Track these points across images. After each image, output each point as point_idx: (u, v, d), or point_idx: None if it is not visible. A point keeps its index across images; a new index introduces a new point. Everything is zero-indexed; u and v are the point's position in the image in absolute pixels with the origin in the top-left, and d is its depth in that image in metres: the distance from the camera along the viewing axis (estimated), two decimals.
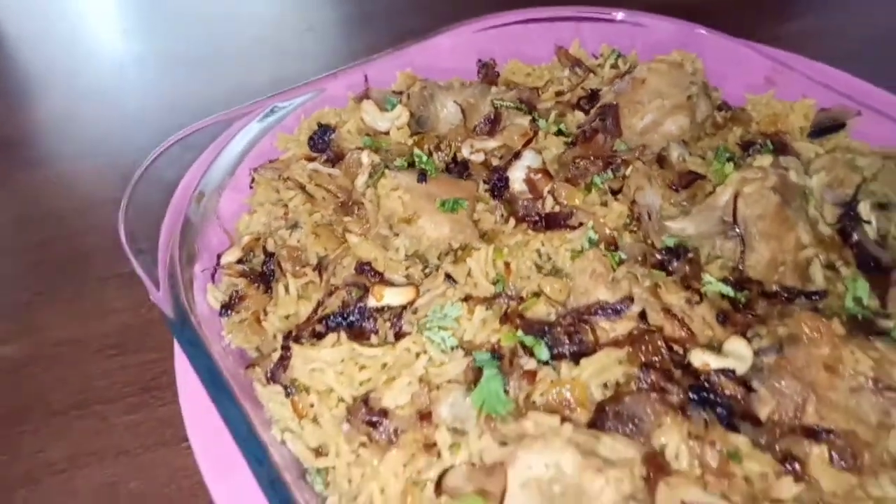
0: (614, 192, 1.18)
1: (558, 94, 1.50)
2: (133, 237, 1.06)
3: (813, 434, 0.87)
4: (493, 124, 1.36)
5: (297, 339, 1.00)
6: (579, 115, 1.40)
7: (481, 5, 1.65)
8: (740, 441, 0.84)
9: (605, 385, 0.91)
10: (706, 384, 0.90)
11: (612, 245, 1.09)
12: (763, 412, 0.90)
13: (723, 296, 1.02)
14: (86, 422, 1.20)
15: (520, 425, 0.83)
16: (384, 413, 0.90)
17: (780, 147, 1.27)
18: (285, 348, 0.99)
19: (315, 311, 1.06)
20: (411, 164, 1.27)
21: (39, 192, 1.73)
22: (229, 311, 1.10)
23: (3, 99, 2.09)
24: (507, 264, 1.09)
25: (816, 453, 0.85)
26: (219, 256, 1.18)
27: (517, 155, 1.25)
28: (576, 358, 0.93)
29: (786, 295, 1.02)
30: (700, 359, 0.92)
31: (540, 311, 1.01)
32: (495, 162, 1.29)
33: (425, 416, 0.89)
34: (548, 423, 0.82)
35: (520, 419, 0.84)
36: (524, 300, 1.03)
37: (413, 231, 1.14)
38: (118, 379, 1.26)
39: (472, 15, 1.61)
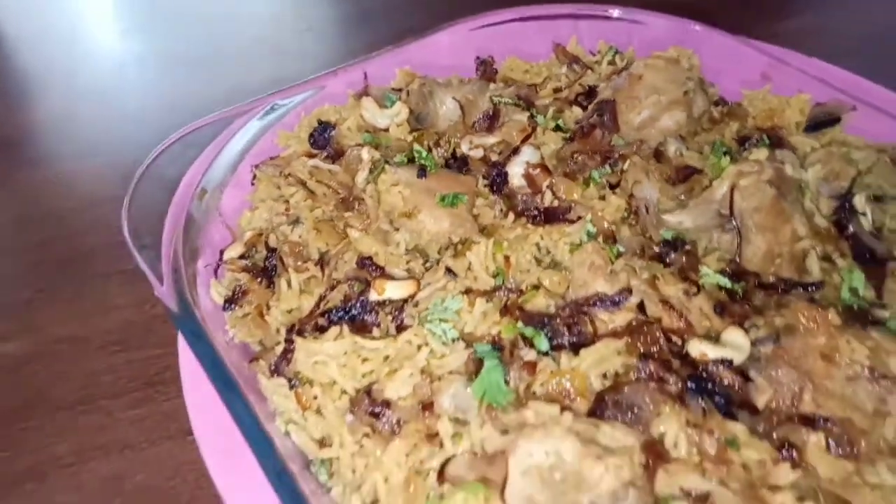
0: (612, 187, 1.19)
1: (556, 90, 1.52)
2: (136, 233, 1.07)
3: (810, 422, 0.88)
4: (492, 120, 1.38)
5: (300, 333, 1.02)
6: (577, 111, 1.41)
7: (479, 3, 1.67)
8: (738, 429, 0.85)
9: (605, 375, 0.92)
10: (704, 374, 0.91)
11: (611, 238, 1.10)
12: (760, 401, 0.91)
13: (720, 287, 1.03)
14: (91, 417, 1.21)
15: (520, 415, 0.84)
16: (387, 404, 0.91)
17: (776, 141, 1.28)
18: (288, 342, 1.00)
19: (317, 305, 1.07)
20: (411, 160, 1.28)
21: (40, 192, 1.74)
22: (232, 306, 1.11)
23: (2, 99, 2.09)
24: (506, 258, 1.10)
25: (813, 441, 0.86)
26: (221, 252, 1.20)
27: (516, 150, 1.27)
28: (575, 349, 0.94)
29: (782, 286, 1.03)
30: (698, 349, 0.93)
31: (539, 303, 1.02)
32: (494, 157, 1.30)
33: (427, 406, 0.90)
34: (548, 412, 0.83)
35: (520, 409, 0.86)
36: (524, 293, 1.04)
37: (413, 226, 1.15)
38: (122, 374, 1.27)
39: (470, 13, 1.63)
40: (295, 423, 0.96)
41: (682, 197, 1.18)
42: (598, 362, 0.92)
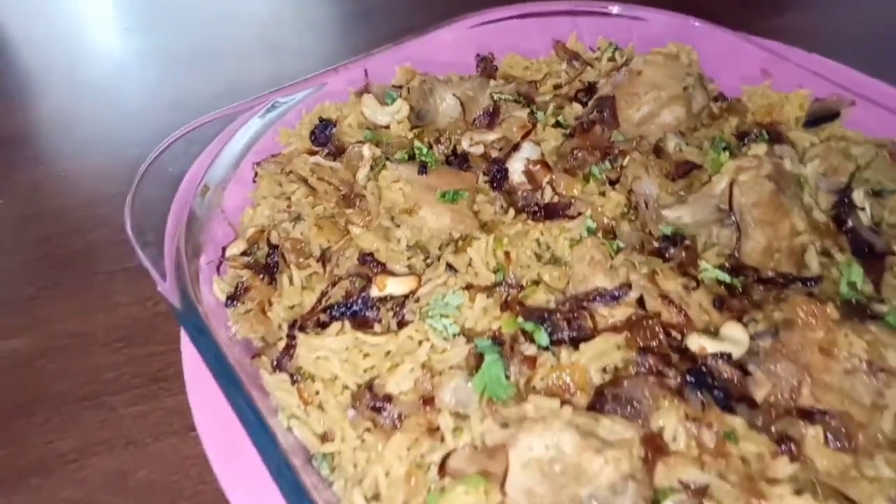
0: (612, 182, 1.20)
1: (556, 86, 1.52)
2: (139, 230, 1.08)
3: (808, 415, 0.89)
4: (492, 117, 1.38)
5: (302, 329, 1.02)
6: (577, 108, 1.42)
7: (479, 1, 1.67)
8: (737, 422, 0.86)
9: (604, 369, 0.93)
10: (703, 368, 0.92)
11: (610, 234, 1.11)
12: (759, 394, 0.92)
13: (719, 282, 1.04)
14: (95, 412, 1.21)
15: (521, 408, 0.85)
16: (388, 399, 0.92)
17: (775, 136, 1.29)
18: (290, 337, 1.01)
19: (319, 301, 1.07)
20: (412, 157, 1.29)
21: (42, 190, 1.74)
22: (235, 302, 1.12)
23: (3, 98, 2.10)
24: (507, 254, 1.10)
25: (812, 434, 0.87)
26: (224, 249, 1.20)
27: (516, 147, 1.27)
28: (575, 343, 0.95)
29: (781, 281, 1.03)
30: (697, 343, 0.94)
31: (539, 298, 1.03)
32: (494, 154, 1.31)
33: (428, 401, 0.91)
34: (548, 405, 0.84)
35: (521, 403, 0.86)
36: (524, 288, 1.05)
37: (414, 222, 1.16)
38: (126, 371, 1.28)
39: (470, 11, 1.63)
40: (297, 417, 0.97)
41: (682, 192, 1.18)
42: (598, 357, 0.93)
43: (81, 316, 1.39)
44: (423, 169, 1.22)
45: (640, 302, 0.99)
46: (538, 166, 1.22)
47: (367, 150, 1.25)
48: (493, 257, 1.10)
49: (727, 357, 0.93)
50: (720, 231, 1.11)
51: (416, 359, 0.95)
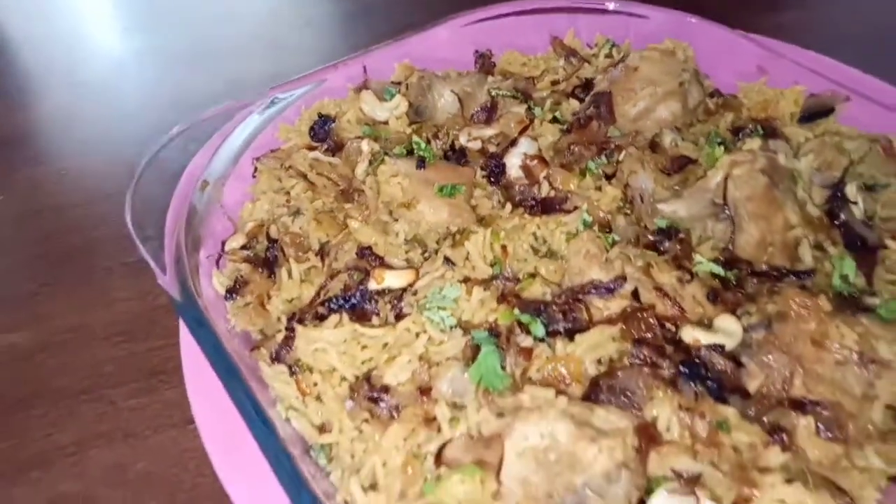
0: (608, 177, 1.21)
1: (554, 83, 1.53)
2: (139, 225, 1.09)
3: (800, 406, 0.90)
4: (490, 113, 1.39)
5: (301, 321, 1.03)
6: (574, 104, 1.43)
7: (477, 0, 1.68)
8: (729, 413, 0.87)
9: (599, 361, 0.94)
10: (697, 359, 0.93)
11: (606, 227, 1.12)
12: (752, 385, 0.93)
13: (713, 275, 1.05)
14: (94, 406, 1.22)
15: (516, 398, 0.86)
16: (385, 389, 0.93)
17: (770, 132, 1.30)
18: (289, 329, 1.02)
19: (318, 294, 1.08)
20: (410, 152, 1.30)
21: (42, 188, 1.75)
22: (234, 296, 1.13)
23: (2, 98, 2.10)
24: (503, 247, 1.11)
25: (803, 424, 0.88)
26: (223, 243, 1.21)
27: (513, 142, 1.28)
28: (570, 335, 0.95)
29: (774, 274, 1.04)
30: (691, 335, 0.95)
31: (536, 291, 1.04)
32: (492, 149, 1.32)
33: (425, 391, 0.92)
34: (543, 395, 0.85)
35: (516, 393, 0.87)
36: (521, 281, 1.06)
37: (412, 216, 1.17)
38: (125, 364, 1.28)
39: (468, 8, 1.63)
40: (295, 409, 0.98)
41: (677, 187, 1.19)
42: (593, 348, 0.94)
43: (81, 311, 1.40)
44: (421, 163, 1.23)
45: (635, 294, 1.00)
46: (535, 161, 1.23)
47: (365, 145, 1.26)
48: (490, 251, 1.11)
49: (720, 349, 0.94)
50: (715, 225, 1.12)
51: (413, 350, 0.96)
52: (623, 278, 1.00)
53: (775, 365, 0.93)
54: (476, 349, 0.94)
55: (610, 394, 0.88)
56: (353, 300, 1.05)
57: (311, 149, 1.35)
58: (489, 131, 1.34)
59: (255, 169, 1.34)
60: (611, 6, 1.63)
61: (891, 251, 1.11)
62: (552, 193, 1.20)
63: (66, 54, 2.33)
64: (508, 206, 1.20)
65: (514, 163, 1.25)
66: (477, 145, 1.33)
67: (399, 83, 1.51)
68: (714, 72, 1.52)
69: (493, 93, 1.43)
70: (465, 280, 1.06)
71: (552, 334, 0.97)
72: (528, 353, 0.94)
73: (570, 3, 1.65)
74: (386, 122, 1.42)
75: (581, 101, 1.43)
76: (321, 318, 1.04)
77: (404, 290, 1.06)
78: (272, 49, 2.27)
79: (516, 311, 0.99)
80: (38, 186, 1.75)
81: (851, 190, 1.14)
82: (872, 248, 1.10)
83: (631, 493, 0.79)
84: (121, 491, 1.10)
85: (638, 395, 0.88)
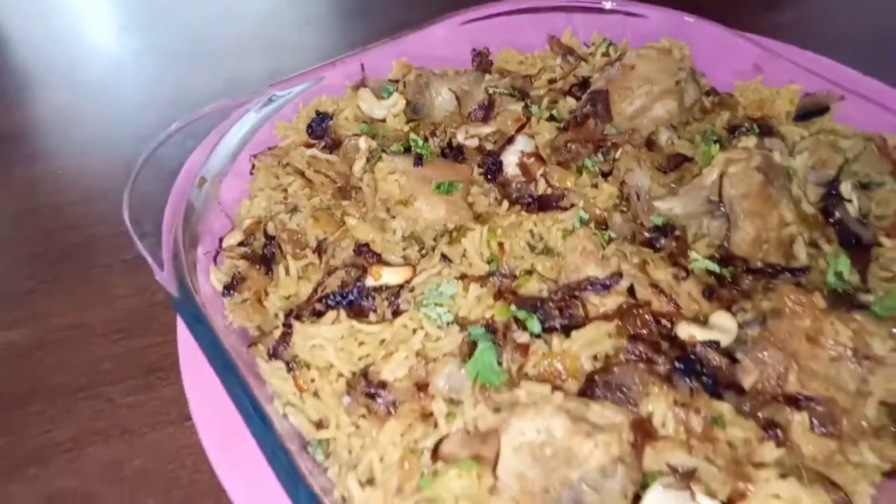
0: (605, 175, 1.22)
1: (551, 81, 1.54)
2: (137, 221, 1.09)
3: (794, 401, 0.91)
4: (487, 111, 1.40)
5: (298, 317, 1.04)
6: (571, 102, 1.43)
7: None
8: (724, 408, 0.88)
9: (595, 357, 0.94)
10: (692, 355, 0.93)
11: (603, 224, 1.12)
12: (747, 381, 0.93)
13: (709, 272, 1.05)
14: (91, 403, 1.22)
15: (513, 394, 0.86)
16: (383, 385, 0.93)
17: (765, 130, 1.30)
18: (286, 326, 1.03)
19: (315, 290, 1.09)
20: (407, 150, 1.30)
21: (39, 186, 1.75)
22: (231, 292, 1.13)
23: (0, 97, 2.10)
24: (500, 244, 1.12)
25: (798, 420, 0.89)
26: (221, 240, 1.22)
27: (511, 140, 1.29)
28: (567, 331, 0.96)
29: (770, 271, 1.05)
30: (686, 331, 0.95)
31: (532, 287, 1.04)
32: (489, 147, 1.32)
33: (422, 387, 0.92)
34: (539, 391, 0.85)
35: (513, 388, 0.88)
36: (517, 278, 1.06)
37: (409, 213, 1.17)
38: (123, 361, 1.29)
39: (466, 7, 1.64)
40: (292, 405, 0.98)
41: (673, 184, 1.19)
42: (589, 344, 0.94)
43: (79, 308, 1.40)
44: (418, 161, 1.23)
45: (631, 291, 1.00)
46: (532, 159, 1.24)
47: (363, 143, 1.27)
48: (486, 248, 1.11)
49: (716, 345, 0.94)
50: (710, 222, 1.12)
51: (410, 346, 0.96)
52: (619, 275, 1.01)
53: (770, 361, 0.94)
54: (473, 345, 0.95)
55: (606, 389, 0.89)
56: (351, 297, 1.06)
57: (309, 146, 1.35)
58: (486, 129, 1.34)
59: (253, 166, 1.35)
60: (608, 5, 1.63)
61: (885, 249, 1.11)
62: (549, 191, 1.21)
63: (65, 53, 2.33)
64: (505, 204, 1.20)
65: (511, 160, 1.26)
66: (474, 143, 1.33)
67: (397, 81, 1.51)
68: (711, 71, 1.53)
69: (491, 91, 1.43)
70: (462, 277, 1.06)
71: (548, 330, 0.97)
72: (524, 349, 0.94)
73: (568, 2, 1.66)
74: (383, 120, 1.42)
75: (578, 99, 1.44)
76: (318, 315, 1.04)
77: (401, 286, 1.06)
78: (271, 48, 2.27)
79: (513, 307, 1.00)
80: (35, 184, 1.75)
81: (846, 188, 1.15)
82: (867, 246, 1.10)
83: (627, 487, 0.80)
84: (118, 487, 1.10)
85: (633, 391, 0.89)
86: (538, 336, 0.96)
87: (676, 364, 0.92)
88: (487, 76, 1.50)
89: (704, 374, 0.91)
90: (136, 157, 1.19)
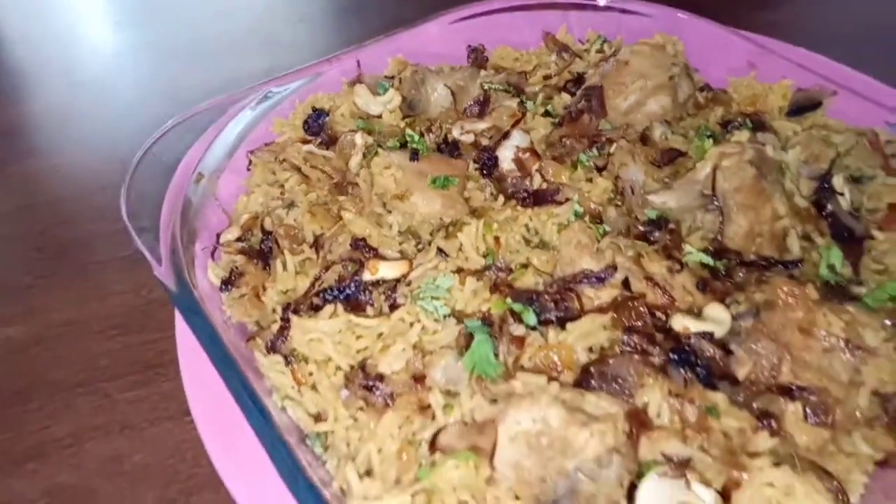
0: (599, 169, 1.22)
1: (546, 77, 1.55)
2: (134, 217, 1.09)
3: (788, 392, 0.92)
4: (483, 106, 1.41)
5: (296, 312, 1.04)
6: (566, 97, 1.44)
7: None
8: (718, 398, 0.89)
9: (591, 349, 0.95)
10: (686, 347, 0.94)
11: (597, 218, 1.13)
12: (741, 372, 0.94)
13: (703, 265, 1.06)
14: (90, 398, 1.22)
15: (509, 385, 0.87)
16: (380, 378, 0.94)
17: (758, 125, 1.32)
18: (284, 320, 1.03)
19: (312, 285, 1.09)
20: (403, 145, 1.31)
21: (37, 182, 1.75)
22: (229, 287, 1.13)
23: None
24: (496, 238, 1.12)
25: (791, 410, 0.90)
26: (218, 235, 1.22)
27: (506, 135, 1.30)
28: (562, 323, 0.97)
29: (763, 263, 1.06)
30: (681, 323, 0.96)
31: (528, 281, 1.05)
32: (485, 142, 1.33)
33: (419, 379, 0.93)
34: (535, 381, 0.86)
35: (509, 380, 0.88)
36: (513, 271, 1.07)
37: (406, 208, 1.18)
38: (121, 357, 1.29)
39: (461, 4, 1.65)
40: (291, 398, 0.99)
41: (667, 179, 1.21)
42: (585, 336, 0.95)
43: (76, 304, 1.40)
44: (414, 156, 1.24)
45: (626, 284, 1.01)
46: (527, 154, 1.25)
47: (359, 138, 1.27)
48: (482, 242, 1.12)
49: (710, 336, 0.95)
50: (704, 215, 1.13)
51: (407, 339, 0.97)
52: (614, 268, 1.01)
53: (763, 352, 0.95)
54: (469, 338, 0.95)
55: (601, 380, 0.90)
56: (348, 291, 1.06)
57: (306, 142, 1.35)
58: (482, 125, 1.35)
59: (250, 162, 1.35)
60: (602, 2, 1.64)
61: (877, 241, 1.13)
62: (544, 185, 1.22)
63: (61, 51, 2.33)
64: (501, 198, 1.21)
65: (506, 155, 1.27)
66: (470, 138, 1.34)
67: (392, 77, 1.52)
68: (705, 67, 1.54)
69: (486, 87, 1.44)
70: (459, 270, 1.07)
71: (544, 323, 0.98)
72: (520, 341, 0.95)
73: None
74: (379, 116, 1.43)
75: (573, 95, 1.44)
76: (316, 309, 1.05)
77: (398, 280, 1.07)
78: (267, 45, 2.28)
79: (509, 300, 1.00)
80: (32, 181, 1.75)
81: (838, 181, 1.16)
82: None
83: (622, 476, 0.81)
84: (117, 482, 1.10)
85: (629, 382, 0.90)
86: (534, 328, 0.97)
87: (671, 355, 0.93)
88: (483, 72, 1.51)
89: (699, 365, 0.92)
90: (133, 154, 1.19)
